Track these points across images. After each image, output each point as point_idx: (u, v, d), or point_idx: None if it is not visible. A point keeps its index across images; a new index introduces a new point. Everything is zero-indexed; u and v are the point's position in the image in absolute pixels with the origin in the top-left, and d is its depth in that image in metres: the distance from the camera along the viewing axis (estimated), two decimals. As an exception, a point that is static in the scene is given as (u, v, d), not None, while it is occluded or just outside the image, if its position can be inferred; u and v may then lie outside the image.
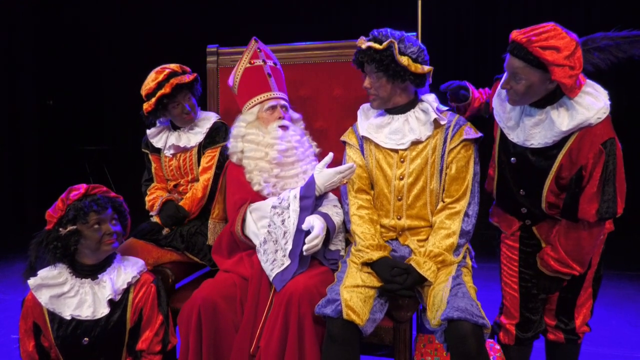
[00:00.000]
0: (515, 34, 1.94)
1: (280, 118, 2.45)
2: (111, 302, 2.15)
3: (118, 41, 7.18)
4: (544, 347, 2.44)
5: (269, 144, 2.40)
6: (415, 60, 2.14)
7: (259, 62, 2.49)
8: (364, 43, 2.17)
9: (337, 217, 2.32)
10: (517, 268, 2.27)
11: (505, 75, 2.02)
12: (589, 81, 2.02)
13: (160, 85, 2.55)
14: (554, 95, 1.98)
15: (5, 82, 6.70)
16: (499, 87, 2.13)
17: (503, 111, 2.13)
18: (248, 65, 2.50)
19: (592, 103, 1.94)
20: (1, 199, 6.72)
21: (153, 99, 2.56)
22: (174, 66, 2.62)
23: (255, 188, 2.39)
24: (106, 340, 2.15)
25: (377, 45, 2.13)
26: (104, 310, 2.13)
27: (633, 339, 3.49)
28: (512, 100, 2.03)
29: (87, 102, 7.31)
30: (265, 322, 2.11)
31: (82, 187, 2.16)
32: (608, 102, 1.97)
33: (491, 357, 2.28)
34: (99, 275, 2.17)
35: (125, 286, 2.17)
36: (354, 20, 6.35)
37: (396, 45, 2.11)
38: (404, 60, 2.12)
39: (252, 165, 2.41)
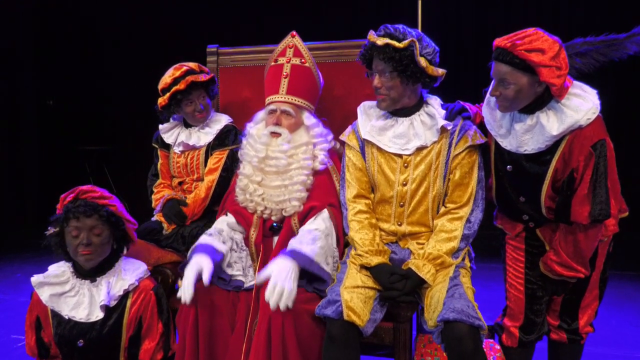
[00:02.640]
0: (499, 41, 1.95)
1: (275, 124, 2.36)
2: (106, 307, 2.13)
3: (118, 41, 7.17)
4: (547, 347, 2.44)
5: (257, 149, 2.36)
6: (431, 62, 2.10)
7: (282, 61, 2.43)
8: (378, 39, 2.07)
9: (308, 246, 2.10)
10: (522, 269, 2.26)
11: (492, 82, 2.02)
12: (575, 82, 2.03)
13: (176, 81, 2.57)
14: (543, 99, 1.98)
15: (5, 82, 6.69)
16: (487, 95, 2.13)
17: (493, 119, 2.12)
18: (272, 63, 2.46)
19: (580, 104, 1.95)
20: (1, 199, 6.72)
21: (167, 94, 2.58)
22: (192, 65, 2.64)
23: (236, 192, 2.39)
24: (100, 344, 2.14)
25: (396, 44, 2.04)
26: (98, 314, 2.12)
27: (633, 339, 3.48)
28: (502, 107, 2.02)
29: (87, 102, 7.30)
30: (251, 333, 2.09)
31: (78, 190, 2.10)
32: (597, 102, 1.97)
33: (491, 358, 2.28)
34: (98, 278, 2.15)
35: (121, 293, 2.14)
36: (354, 20, 6.34)
37: (417, 45, 2.05)
38: (422, 61, 2.06)
39: (242, 166, 2.41)
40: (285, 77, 2.39)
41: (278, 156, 2.32)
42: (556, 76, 1.88)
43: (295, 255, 2.07)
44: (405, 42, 2.04)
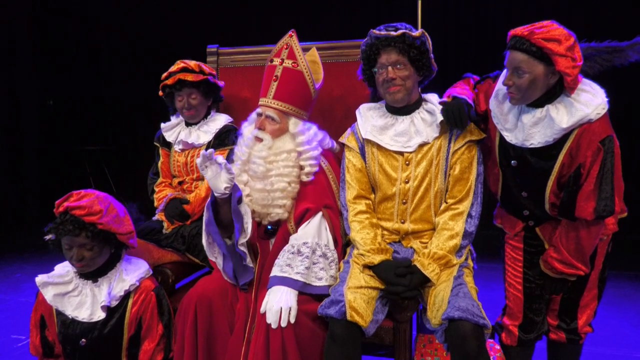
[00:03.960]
0: (516, 30, 1.96)
1: (259, 129, 2.32)
2: (107, 308, 2.13)
3: (118, 41, 7.18)
4: (546, 347, 2.44)
5: (242, 151, 2.36)
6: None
7: (276, 62, 2.36)
8: (392, 31, 2.10)
9: (297, 275, 2.10)
10: (521, 269, 2.27)
11: (505, 72, 2.02)
12: (585, 80, 2.04)
13: (170, 75, 2.66)
14: (553, 92, 1.99)
15: (5, 82, 6.69)
16: (496, 87, 2.13)
17: (500, 112, 2.12)
18: (269, 63, 2.40)
19: (590, 99, 1.96)
20: (1, 199, 6.72)
21: (161, 86, 2.70)
22: (192, 63, 2.68)
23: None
24: (103, 344, 2.15)
25: (412, 33, 2.10)
26: (100, 315, 2.13)
27: (633, 339, 3.49)
28: (513, 99, 2.02)
29: (87, 102, 7.30)
30: (250, 335, 2.10)
31: (67, 204, 2.04)
32: (606, 99, 1.98)
33: (491, 357, 2.28)
34: (99, 279, 2.16)
35: (122, 293, 2.15)
36: (354, 20, 6.34)
37: (427, 35, 2.13)
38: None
39: (232, 166, 2.40)
40: (275, 81, 2.33)
41: (257, 162, 2.29)
42: (572, 66, 1.89)
43: (287, 282, 2.08)
44: (419, 32, 2.11)
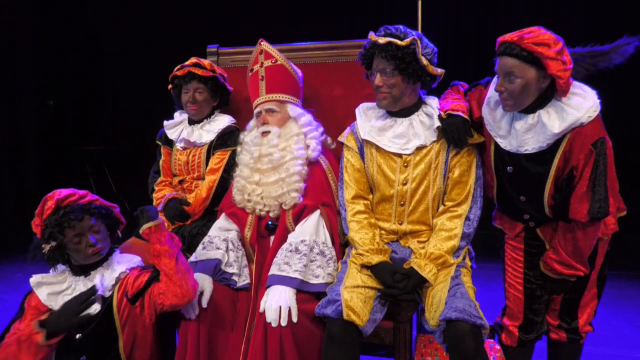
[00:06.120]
0: (504, 37, 1.96)
1: (263, 124, 2.43)
2: (102, 299, 2.11)
3: (118, 41, 7.18)
4: (546, 347, 2.45)
5: (251, 151, 2.41)
6: (430, 62, 2.12)
7: (256, 68, 2.50)
8: (380, 38, 2.09)
9: (295, 273, 2.12)
10: (521, 269, 2.27)
11: (496, 78, 2.02)
12: (575, 82, 2.04)
13: (182, 68, 2.73)
14: (545, 97, 1.99)
15: (5, 82, 6.69)
16: (488, 94, 2.13)
17: (493, 119, 2.12)
18: (249, 73, 2.54)
19: (581, 103, 1.96)
20: (1, 199, 6.72)
21: (170, 77, 2.76)
22: (205, 62, 2.76)
23: (233, 193, 2.42)
24: (97, 336, 2.12)
25: (398, 42, 2.06)
26: (96, 307, 2.10)
27: (633, 339, 3.49)
28: (506, 106, 2.01)
29: (87, 102, 7.31)
30: (249, 334, 2.12)
31: (54, 198, 2.07)
32: (597, 101, 1.98)
33: (491, 357, 2.28)
34: (92, 272, 2.16)
35: (113, 282, 2.14)
36: (354, 21, 6.34)
37: (419, 44, 2.08)
38: (423, 60, 2.09)
39: (238, 170, 2.45)
40: (261, 80, 2.47)
41: (271, 151, 2.36)
42: (563, 69, 1.89)
43: (285, 281, 2.10)
44: (407, 40, 2.07)
